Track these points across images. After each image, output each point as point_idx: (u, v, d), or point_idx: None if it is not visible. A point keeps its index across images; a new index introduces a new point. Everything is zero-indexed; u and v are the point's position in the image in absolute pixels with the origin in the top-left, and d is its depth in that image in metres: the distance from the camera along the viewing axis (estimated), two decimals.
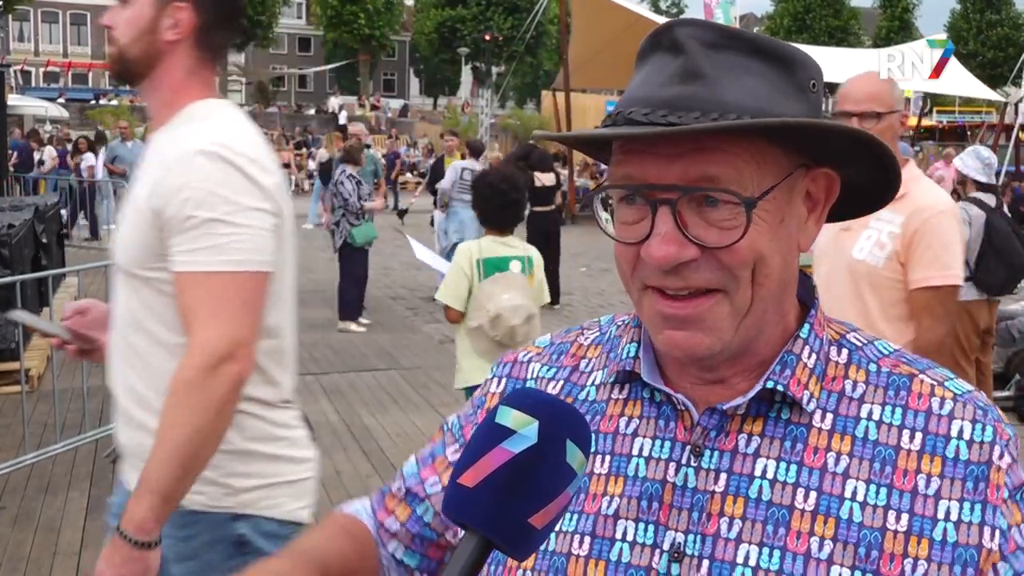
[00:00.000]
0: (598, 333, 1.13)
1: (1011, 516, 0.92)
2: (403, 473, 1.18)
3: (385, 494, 1.18)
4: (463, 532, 0.77)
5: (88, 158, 19.54)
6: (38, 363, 7.59)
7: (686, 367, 1.00)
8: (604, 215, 1.00)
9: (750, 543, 0.92)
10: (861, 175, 1.00)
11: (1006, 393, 7.43)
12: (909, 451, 0.93)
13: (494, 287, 4.09)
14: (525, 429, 0.76)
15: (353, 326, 9.82)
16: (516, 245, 4.49)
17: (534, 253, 4.59)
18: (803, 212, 0.98)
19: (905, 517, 0.91)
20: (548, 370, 1.12)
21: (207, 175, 1.87)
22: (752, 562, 0.91)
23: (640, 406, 1.02)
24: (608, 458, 1.02)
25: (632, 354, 1.04)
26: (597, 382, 1.07)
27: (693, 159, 0.90)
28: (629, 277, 0.97)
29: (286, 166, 22.04)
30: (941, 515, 0.91)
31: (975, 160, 6.99)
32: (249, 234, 1.88)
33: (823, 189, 1.00)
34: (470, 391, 4.30)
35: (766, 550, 0.91)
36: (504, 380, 1.14)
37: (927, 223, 3.15)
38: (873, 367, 0.98)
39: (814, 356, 0.98)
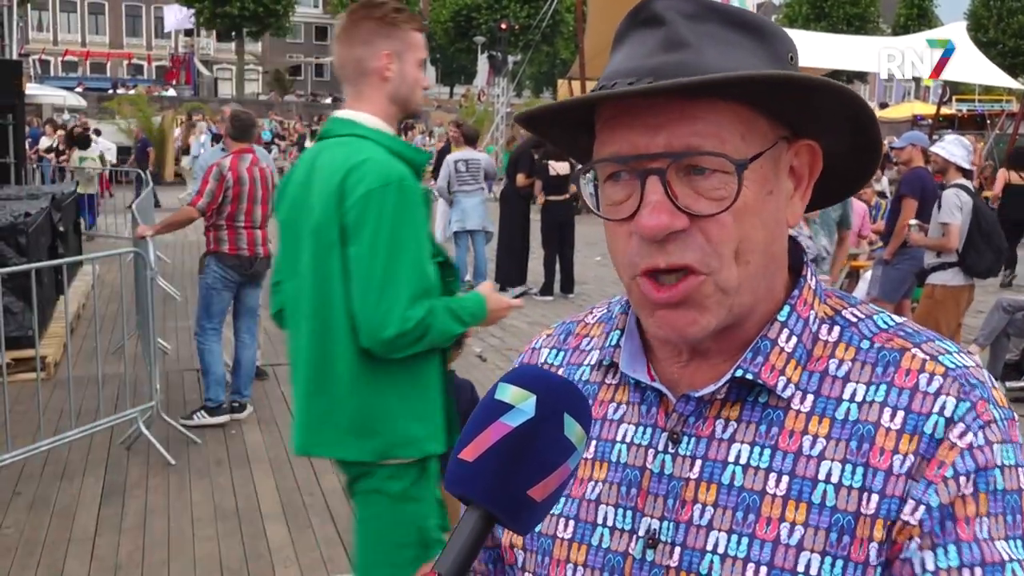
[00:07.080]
0: (605, 311, 1.13)
1: (948, 496, 0.85)
2: None
3: None
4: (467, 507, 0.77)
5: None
6: (54, 351, 7.66)
7: (674, 348, 0.99)
8: (590, 192, 1.00)
9: (720, 530, 0.91)
10: (841, 145, 0.99)
11: (1021, 384, 7.37)
12: (889, 429, 0.88)
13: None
14: (523, 403, 0.77)
15: None
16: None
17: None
18: (789, 187, 0.97)
19: (875, 499, 0.87)
20: (555, 355, 1.13)
21: None
22: (721, 549, 0.91)
23: (627, 392, 1.03)
24: (594, 443, 1.02)
25: (614, 343, 1.05)
26: (592, 361, 1.08)
27: (678, 127, 0.88)
28: (621, 260, 0.95)
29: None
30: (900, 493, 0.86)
31: (961, 148, 7.09)
32: None
33: (806, 164, 0.98)
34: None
35: (735, 537, 0.90)
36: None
37: None
38: (865, 344, 0.94)
39: (795, 339, 0.96)
